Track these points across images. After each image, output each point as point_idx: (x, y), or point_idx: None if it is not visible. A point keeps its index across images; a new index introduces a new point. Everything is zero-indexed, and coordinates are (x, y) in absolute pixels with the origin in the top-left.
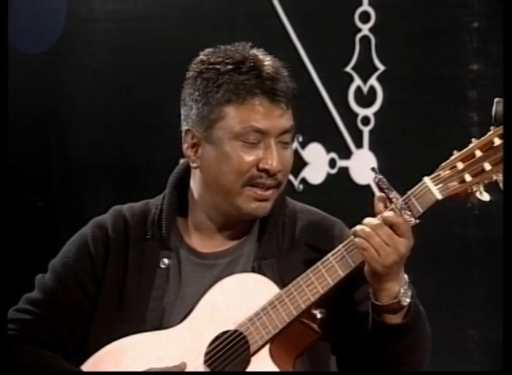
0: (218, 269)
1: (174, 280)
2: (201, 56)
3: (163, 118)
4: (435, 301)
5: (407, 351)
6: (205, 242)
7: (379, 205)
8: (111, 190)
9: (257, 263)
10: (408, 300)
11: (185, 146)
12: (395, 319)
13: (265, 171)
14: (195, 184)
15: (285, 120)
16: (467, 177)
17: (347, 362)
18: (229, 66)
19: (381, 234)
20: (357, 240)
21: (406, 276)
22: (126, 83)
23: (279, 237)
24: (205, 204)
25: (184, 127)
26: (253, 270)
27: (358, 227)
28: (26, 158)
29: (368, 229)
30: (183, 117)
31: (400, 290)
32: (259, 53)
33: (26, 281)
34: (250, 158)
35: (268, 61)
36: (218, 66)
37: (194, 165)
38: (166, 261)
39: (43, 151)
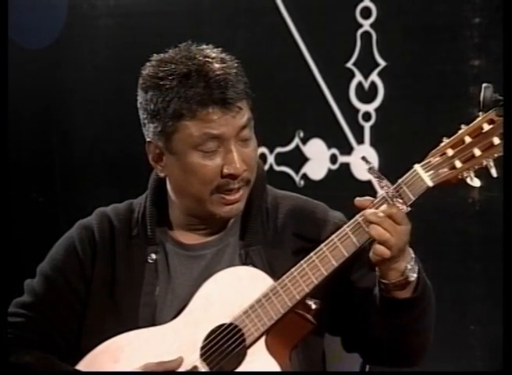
0: (205, 259)
1: (163, 274)
2: (148, 68)
3: None
4: (436, 296)
5: (416, 320)
6: (190, 235)
7: (364, 205)
8: (112, 186)
9: (245, 251)
10: (415, 275)
11: (150, 156)
12: (403, 294)
13: (230, 176)
14: (169, 188)
15: (240, 118)
16: (458, 163)
17: (353, 339)
18: (175, 82)
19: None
20: (373, 225)
21: (411, 250)
22: (127, 79)
23: (264, 224)
24: (180, 207)
25: (146, 138)
26: (240, 258)
27: (368, 212)
28: (27, 153)
29: (381, 214)
30: (142, 127)
31: (407, 266)
32: (203, 57)
33: (26, 277)
34: (212, 166)
35: (214, 64)
36: (162, 83)
37: (162, 174)
38: (154, 256)
39: (44, 147)
